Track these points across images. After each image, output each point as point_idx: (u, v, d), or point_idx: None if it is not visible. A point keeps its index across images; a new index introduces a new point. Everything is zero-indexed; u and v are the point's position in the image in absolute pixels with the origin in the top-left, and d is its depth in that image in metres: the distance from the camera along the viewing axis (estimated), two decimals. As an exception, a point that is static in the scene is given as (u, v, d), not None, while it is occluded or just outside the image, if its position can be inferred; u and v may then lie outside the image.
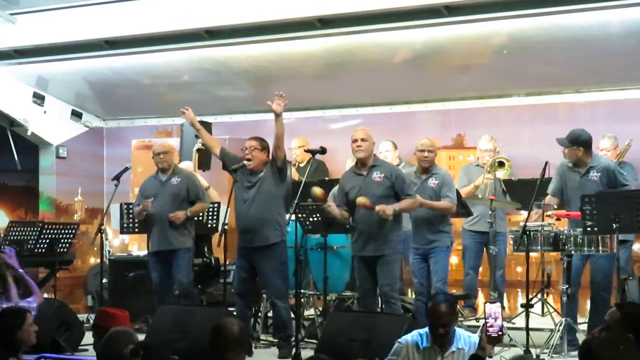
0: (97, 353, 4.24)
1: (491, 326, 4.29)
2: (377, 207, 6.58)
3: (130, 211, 8.27)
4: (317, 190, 6.76)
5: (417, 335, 4.96)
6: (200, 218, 8.32)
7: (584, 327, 6.98)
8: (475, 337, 4.95)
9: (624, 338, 3.23)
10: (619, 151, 7.85)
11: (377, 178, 6.76)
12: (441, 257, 7.00)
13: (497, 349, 6.76)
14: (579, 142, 6.75)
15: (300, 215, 7.40)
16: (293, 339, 6.84)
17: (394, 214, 6.60)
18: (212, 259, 8.67)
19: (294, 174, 8.51)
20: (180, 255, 7.67)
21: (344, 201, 6.85)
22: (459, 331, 5.03)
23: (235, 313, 7.26)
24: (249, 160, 7.10)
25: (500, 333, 4.32)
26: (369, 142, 6.81)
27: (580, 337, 6.73)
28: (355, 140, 6.81)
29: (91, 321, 8.65)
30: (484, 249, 8.21)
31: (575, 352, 6.55)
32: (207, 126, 9.17)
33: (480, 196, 8.06)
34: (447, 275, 7.09)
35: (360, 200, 6.63)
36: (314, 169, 8.58)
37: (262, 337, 7.59)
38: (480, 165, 8.38)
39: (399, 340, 5.01)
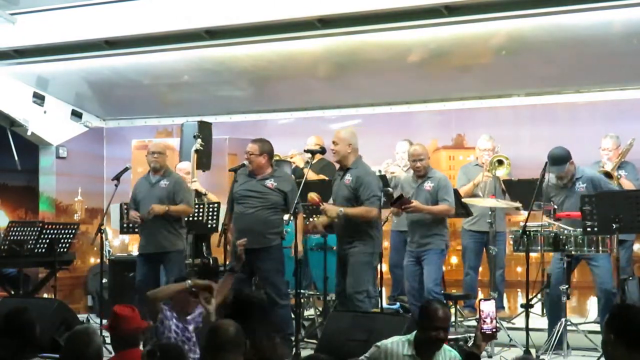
0: (60, 353, 4.24)
1: (485, 323, 4.30)
2: (322, 206, 6.75)
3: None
4: (312, 196, 6.82)
5: (398, 342, 4.70)
6: (200, 218, 8.31)
7: (584, 327, 6.99)
8: (454, 352, 4.72)
9: (607, 339, 3.26)
10: (621, 151, 7.85)
11: (346, 180, 6.85)
12: (434, 260, 6.99)
13: (497, 349, 6.78)
14: (569, 156, 6.84)
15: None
16: (293, 338, 6.84)
17: (337, 216, 6.67)
18: (211, 259, 8.66)
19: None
20: (171, 257, 7.64)
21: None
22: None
23: None
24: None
25: (494, 330, 4.32)
26: (342, 145, 6.85)
27: (580, 337, 6.75)
28: (332, 143, 6.92)
29: (91, 321, 8.71)
30: (484, 249, 8.20)
31: (574, 352, 6.64)
32: (207, 126, 9.18)
33: (480, 194, 8.06)
34: (439, 277, 7.08)
35: (311, 195, 6.76)
36: (320, 168, 8.60)
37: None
38: (479, 164, 8.38)
39: (378, 344, 4.77)
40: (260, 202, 7.06)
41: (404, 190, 7.17)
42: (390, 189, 7.79)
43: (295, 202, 6.80)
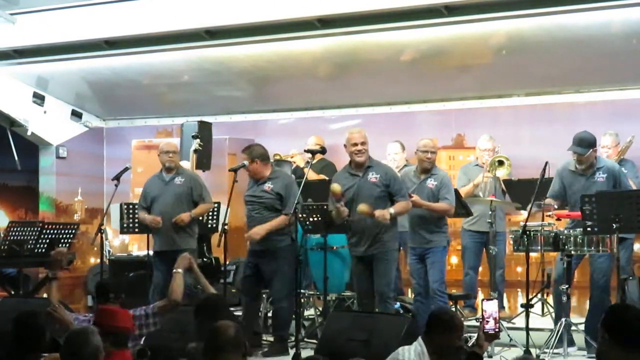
0: (60, 353, 4.26)
1: (488, 323, 4.30)
2: (377, 213, 6.58)
3: (131, 211, 8.27)
4: (335, 187, 6.71)
5: (416, 352, 4.51)
6: (200, 218, 8.31)
7: (583, 327, 6.99)
8: None
9: (602, 338, 3.26)
10: (620, 148, 7.85)
11: (372, 179, 6.77)
12: (438, 258, 6.98)
13: (497, 349, 6.78)
14: (593, 143, 6.76)
15: (300, 215, 7.41)
16: (293, 339, 6.84)
17: (390, 217, 6.62)
18: (212, 258, 8.66)
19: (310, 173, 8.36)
20: None
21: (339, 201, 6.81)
22: None
23: (242, 312, 7.37)
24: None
25: (496, 330, 4.32)
26: (367, 145, 6.83)
27: (579, 337, 6.74)
28: (355, 145, 6.80)
29: (91, 321, 8.70)
30: (484, 249, 8.20)
31: (571, 349, 6.64)
32: (207, 126, 9.18)
33: (481, 194, 8.05)
34: (444, 276, 7.07)
35: (362, 208, 6.59)
36: (320, 168, 8.59)
37: (263, 337, 7.59)
38: (479, 165, 8.38)
39: (399, 358, 4.54)
40: (259, 206, 7.14)
41: (405, 184, 7.15)
42: None
43: (296, 202, 6.80)
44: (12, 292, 8.70)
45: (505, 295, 8.50)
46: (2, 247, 8.38)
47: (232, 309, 7.32)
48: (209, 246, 8.73)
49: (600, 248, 6.56)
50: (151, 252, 8.00)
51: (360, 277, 6.90)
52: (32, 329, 4.60)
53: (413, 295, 7.43)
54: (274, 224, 7.12)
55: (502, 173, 8.12)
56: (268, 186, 7.13)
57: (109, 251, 9.47)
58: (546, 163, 6.75)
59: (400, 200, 6.75)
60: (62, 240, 8.53)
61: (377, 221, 6.59)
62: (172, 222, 7.64)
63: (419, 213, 7.03)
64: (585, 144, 6.71)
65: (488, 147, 8.35)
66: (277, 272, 7.07)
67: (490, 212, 7.73)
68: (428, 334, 4.53)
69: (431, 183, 7.06)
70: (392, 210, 6.65)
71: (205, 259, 8.60)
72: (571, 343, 6.68)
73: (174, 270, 5.40)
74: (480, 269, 8.41)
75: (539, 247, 6.76)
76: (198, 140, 8.63)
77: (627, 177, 7.40)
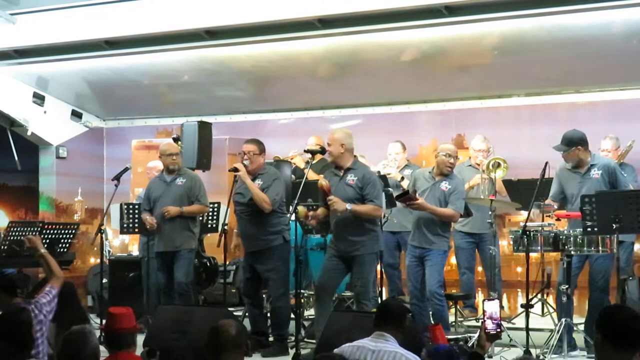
0: (57, 353, 4.25)
1: (489, 324, 4.31)
2: (331, 197, 6.60)
3: (131, 211, 8.27)
4: (301, 211, 6.77)
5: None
6: (201, 218, 8.31)
7: (583, 327, 6.99)
8: None
9: (596, 338, 3.30)
10: (620, 152, 7.84)
11: (350, 181, 6.77)
12: (437, 261, 6.95)
13: (497, 349, 6.78)
14: (576, 142, 6.75)
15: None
16: (293, 339, 6.84)
17: (344, 211, 6.59)
18: (210, 258, 8.64)
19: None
20: (181, 255, 7.68)
21: (324, 200, 6.84)
22: None
23: (247, 314, 7.35)
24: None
25: (498, 330, 4.33)
26: (334, 146, 6.79)
27: (579, 337, 6.74)
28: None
29: (91, 321, 8.69)
30: (476, 249, 8.22)
31: (575, 352, 6.64)
32: (207, 126, 9.19)
33: (482, 196, 8.05)
34: (442, 279, 7.05)
35: (321, 182, 6.64)
36: (320, 168, 8.59)
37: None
38: (472, 165, 8.37)
39: None
40: (249, 206, 7.12)
41: (417, 184, 7.13)
42: (390, 189, 7.78)
43: (295, 202, 6.80)
44: (12, 292, 8.69)
45: (505, 295, 8.50)
46: (2, 247, 8.38)
47: (231, 309, 7.34)
48: (202, 247, 8.71)
49: (600, 248, 6.56)
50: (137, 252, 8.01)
51: (328, 272, 6.84)
52: (17, 324, 4.56)
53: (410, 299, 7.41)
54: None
55: (500, 174, 8.12)
56: (257, 183, 7.14)
57: (109, 251, 9.47)
58: (546, 163, 6.75)
59: (369, 203, 6.71)
60: (62, 240, 8.54)
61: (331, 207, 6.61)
62: (162, 213, 7.64)
63: (425, 214, 7.01)
64: (566, 141, 6.75)
65: (482, 147, 8.35)
66: (272, 271, 7.11)
67: (490, 213, 7.73)
68: (399, 326, 4.67)
69: (445, 186, 7.03)
70: (349, 206, 6.61)
71: (204, 260, 8.58)
72: (573, 347, 6.67)
73: (39, 253, 5.48)
74: (480, 269, 8.41)
75: (539, 248, 6.75)
76: (179, 142, 8.63)
77: (627, 181, 7.41)
